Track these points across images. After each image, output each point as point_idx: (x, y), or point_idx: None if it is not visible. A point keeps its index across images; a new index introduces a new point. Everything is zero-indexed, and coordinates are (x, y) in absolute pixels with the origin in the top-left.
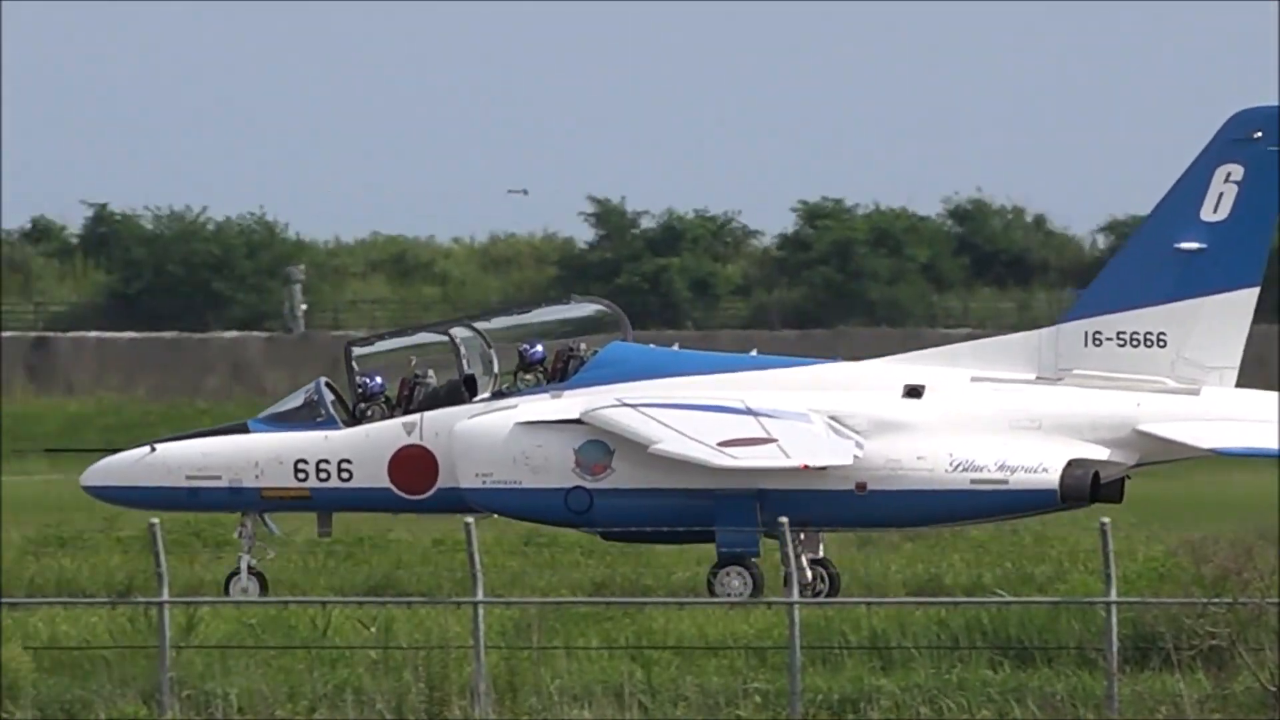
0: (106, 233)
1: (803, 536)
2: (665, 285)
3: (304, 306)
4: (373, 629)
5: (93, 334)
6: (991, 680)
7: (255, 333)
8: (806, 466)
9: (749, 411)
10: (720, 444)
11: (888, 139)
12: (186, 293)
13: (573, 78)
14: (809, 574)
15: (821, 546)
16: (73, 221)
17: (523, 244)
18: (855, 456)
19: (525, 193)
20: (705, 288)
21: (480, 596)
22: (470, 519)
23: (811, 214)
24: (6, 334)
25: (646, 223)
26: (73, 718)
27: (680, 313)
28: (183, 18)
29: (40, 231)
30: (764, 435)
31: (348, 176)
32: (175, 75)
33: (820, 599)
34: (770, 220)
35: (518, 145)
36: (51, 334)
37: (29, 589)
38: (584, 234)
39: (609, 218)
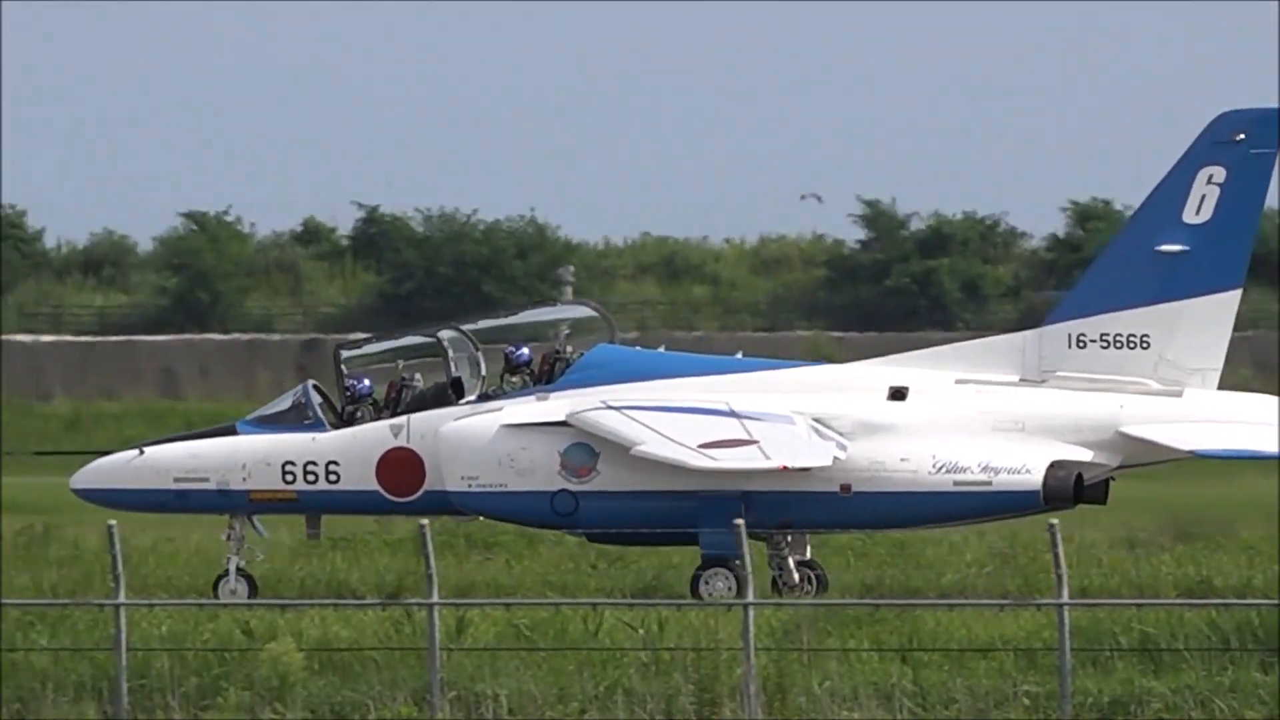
0: (377, 234)
1: (789, 538)
2: (935, 287)
3: None
4: (642, 631)
5: (361, 336)
6: (1263, 682)
7: None
8: (785, 468)
9: (732, 414)
10: (701, 446)
11: (1158, 138)
12: (456, 294)
13: (842, 78)
14: (796, 575)
15: (809, 548)
16: (343, 223)
17: (792, 246)
18: (836, 458)
19: (820, 199)
20: (975, 289)
21: (751, 599)
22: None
23: (1082, 215)
24: (277, 336)
25: (915, 224)
26: (342, 718)
27: (950, 314)
28: (457, 18)
29: (310, 233)
30: (746, 437)
31: (618, 178)
32: (440, 77)
33: (1087, 600)
34: (1039, 222)
35: (787, 146)
36: (322, 336)
37: (300, 590)
38: (854, 235)
39: (878, 219)
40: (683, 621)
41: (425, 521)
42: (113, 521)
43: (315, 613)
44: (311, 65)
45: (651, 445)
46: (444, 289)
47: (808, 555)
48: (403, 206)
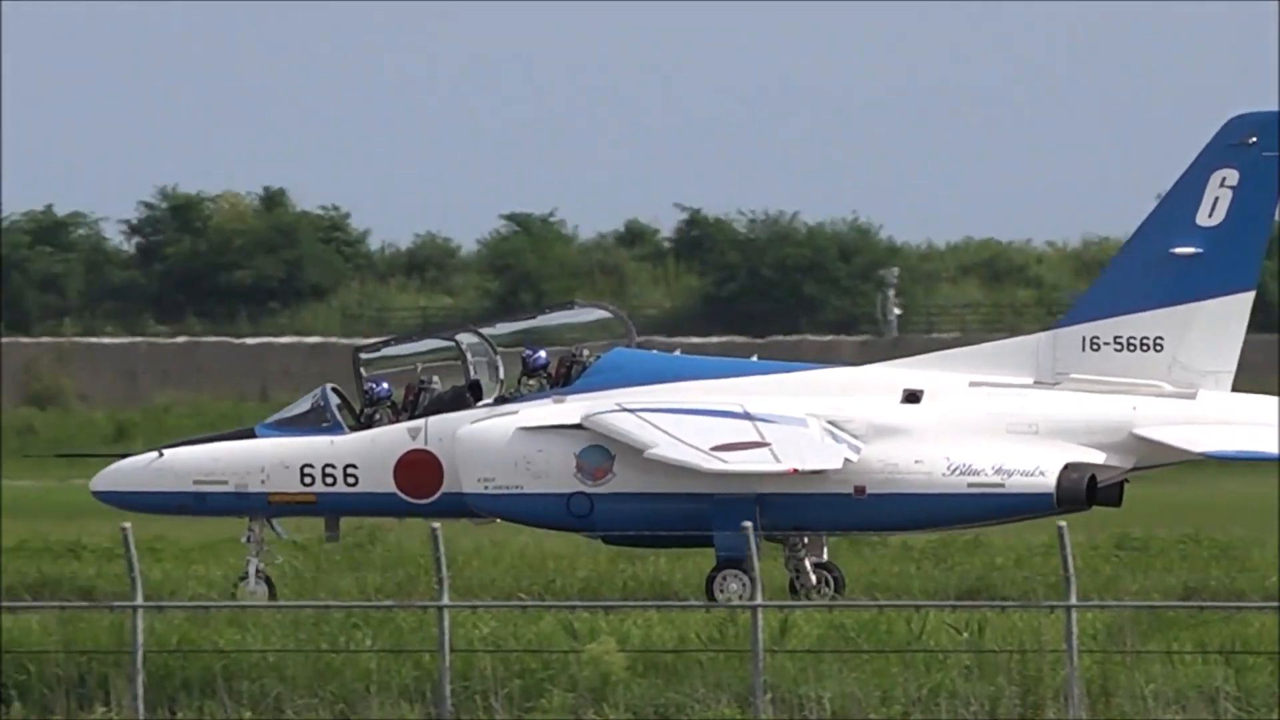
0: (699, 236)
1: (806, 540)
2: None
3: (897, 311)
4: (965, 633)
5: (683, 339)
6: None
7: (847, 336)
8: (795, 470)
9: (746, 416)
10: (714, 448)
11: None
12: (779, 296)
13: (1145, 78)
14: (813, 577)
15: (825, 549)
16: (666, 225)
17: (1114, 247)
18: (847, 460)
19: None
20: None
21: (1074, 600)
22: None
23: None
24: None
25: None
26: (665, 719)
27: (1272, 315)
28: (775, 18)
29: (633, 235)
30: (758, 439)
31: (941, 180)
32: (760, 80)
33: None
34: None
35: (1111, 148)
36: (645, 337)
37: (623, 592)
38: None
39: None
40: (1006, 623)
41: (748, 523)
42: (436, 524)
43: (638, 614)
44: (635, 67)
45: (664, 448)
46: (766, 291)
47: (824, 557)
48: (726, 209)
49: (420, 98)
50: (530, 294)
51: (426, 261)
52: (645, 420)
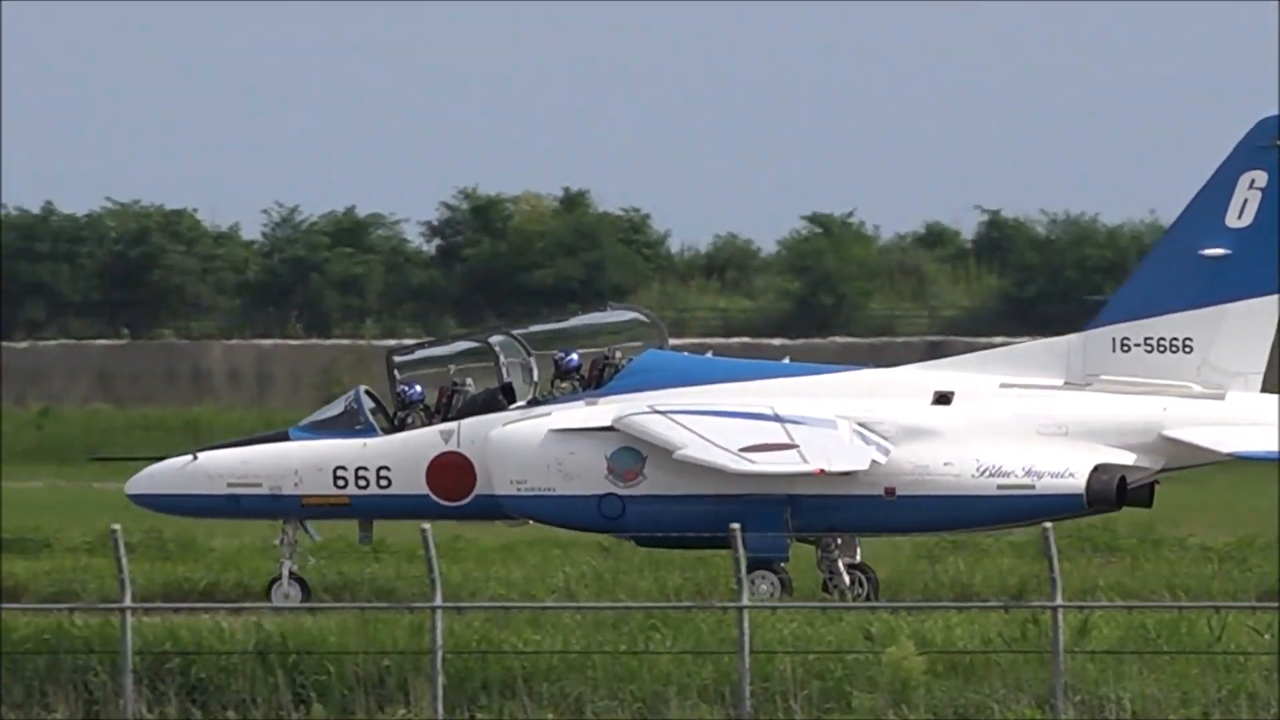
0: (1000, 237)
1: (839, 541)
2: None
3: None
4: (1268, 635)
5: (985, 339)
6: None
7: None
8: (822, 471)
9: (776, 418)
10: (741, 449)
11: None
12: (1078, 298)
13: None
14: (846, 578)
15: (859, 551)
16: (966, 227)
17: None
18: (874, 461)
19: None
20: None
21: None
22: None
23: None
24: (900, 339)
25: None
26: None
27: None
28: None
29: (934, 236)
30: (786, 441)
31: None
32: (1064, 79)
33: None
34: None
35: None
36: (945, 338)
37: (924, 593)
38: None
39: None
40: None
41: (1049, 525)
42: (740, 527)
43: (938, 615)
44: (936, 68)
45: (693, 449)
46: (1067, 293)
47: (858, 558)
48: (1026, 210)
49: (717, 99)
50: (830, 296)
51: (726, 263)
52: (675, 422)
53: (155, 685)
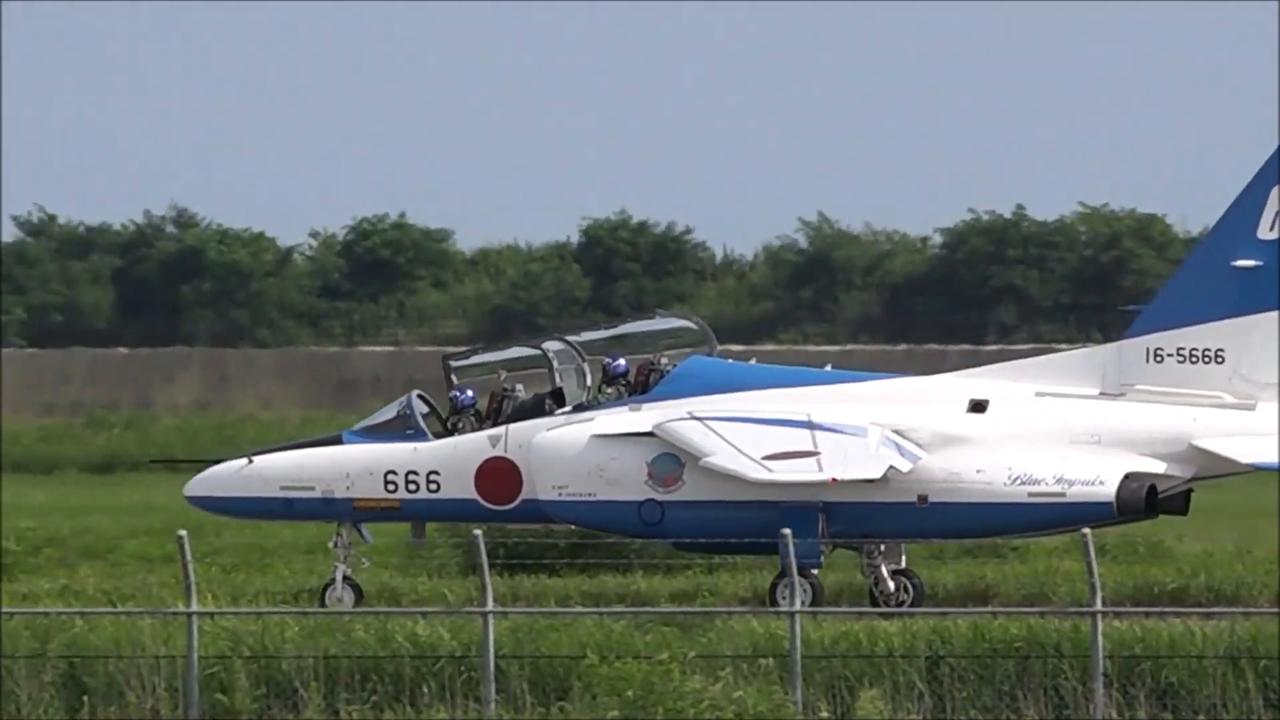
0: None
1: (882, 548)
2: None
3: None
4: None
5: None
6: None
7: None
8: (835, 480)
9: (810, 425)
10: (765, 457)
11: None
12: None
13: None
14: (891, 584)
15: (904, 557)
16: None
17: None
18: (894, 468)
19: None
20: None
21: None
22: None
23: None
24: None
25: None
26: None
27: None
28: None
29: None
30: (810, 449)
31: None
32: None
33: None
34: None
35: None
36: None
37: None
38: None
39: None
40: None
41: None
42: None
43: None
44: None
45: (719, 456)
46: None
47: (903, 564)
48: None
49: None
50: None
51: None
52: (710, 429)
53: (1125, 688)
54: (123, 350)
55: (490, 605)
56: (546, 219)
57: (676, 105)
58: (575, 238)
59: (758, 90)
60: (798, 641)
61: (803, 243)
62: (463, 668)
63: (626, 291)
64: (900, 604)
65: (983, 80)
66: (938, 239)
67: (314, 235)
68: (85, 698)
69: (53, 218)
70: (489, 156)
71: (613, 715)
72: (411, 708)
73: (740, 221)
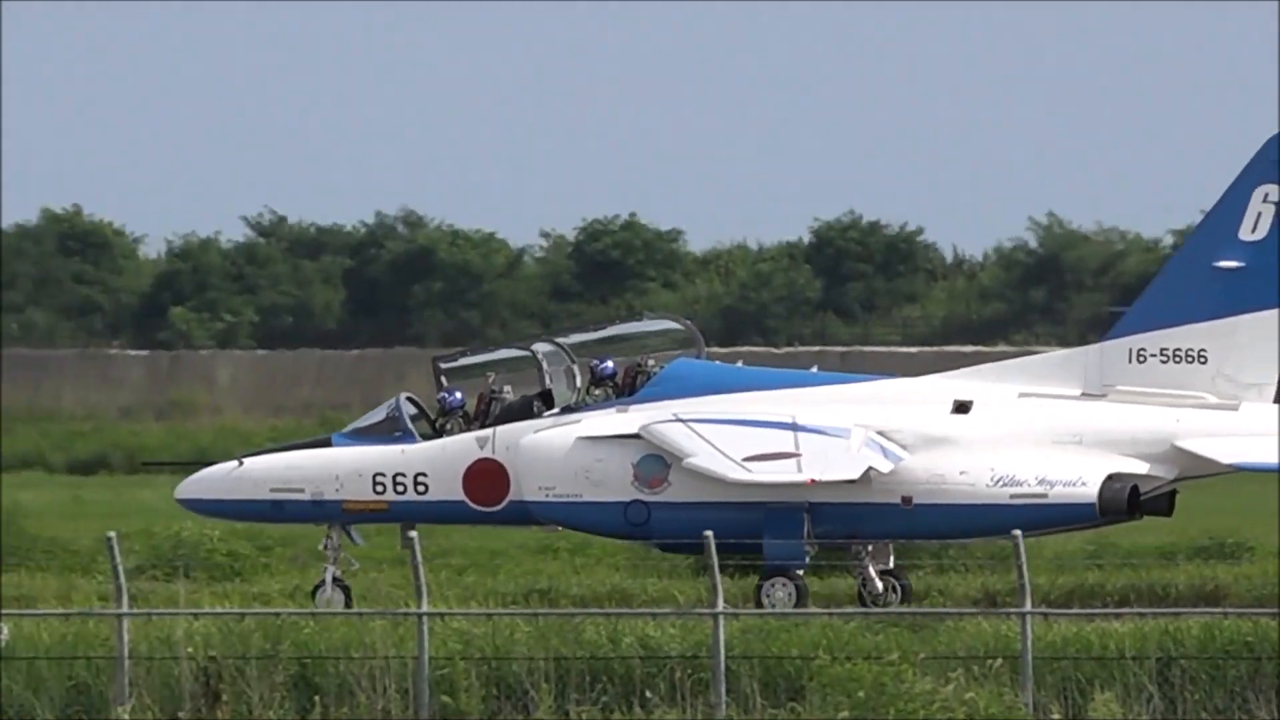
0: None
1: (869, 549)
2: None
3: None
4: None
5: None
6: None
7: None
8: (813, 481)
9: (793, 426)
10: (745, 458)
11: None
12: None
13: None
14: (879, 584)
15: (892, 557)
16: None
17: None
18: (873, 469)
19: None
20: None
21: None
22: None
23: None
24: None
25: None
26: None
27: None
28: None
29: None
30: (790, 450)
31: None
32: None
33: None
34: None
35: None
36: None
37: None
38: None
39: None
40: None
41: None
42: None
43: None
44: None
45: (700, 458)
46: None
47: (891, 564)
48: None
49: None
50: None
51: None
52: (694, 430)
53: None
54: (353, 351)
55: (721, 606)
56: (777, 218)
57: (908, 104)
58: (806, 238)
59: (990, 89)
60: (1029, 643)
61: (1033, 243)
62: (692, 669)
63: (857, 292)
64: (889, 605)
65: (1217, 78)
66: (1169, 240)
67: (544, 236)
68: (316, 698)
69: (283, 219)
70: (719, 156)
71: (843, 716)
72: (641, 709)
73: (970, 222)
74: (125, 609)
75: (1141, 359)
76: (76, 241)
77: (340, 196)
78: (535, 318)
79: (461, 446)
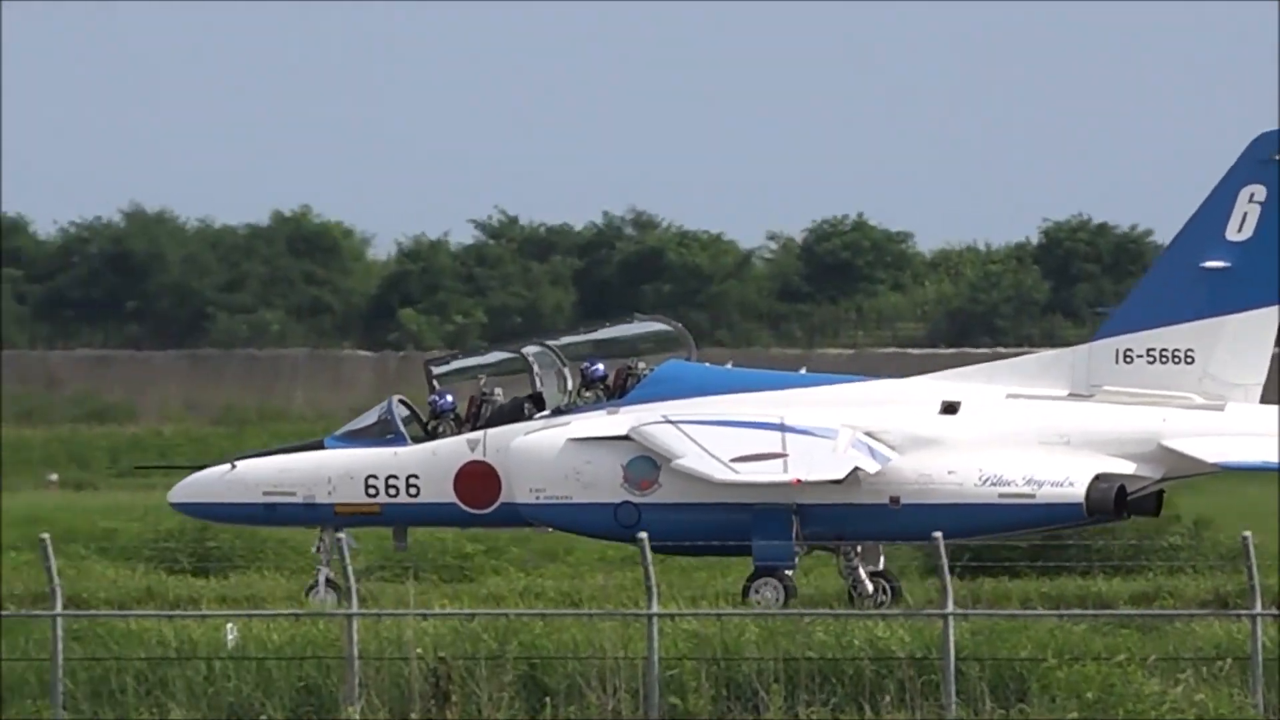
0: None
1: (859, 549)
2: None
3: None
4: None
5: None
6: None
7: None
8: (798, 481)
9: (781, 427)
10: (733, 459)
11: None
12: None
13: None
14: (869, 585)
15: (882, 558)
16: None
17: None
18: (860, 469)
19: None
20: None
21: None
22: None
23: None
24: None
25: None
26: None
27: None
28: None
29: None
30: (777, 451)
31: None
32: None
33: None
34: None
35: None
36: None
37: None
38: None
39: None
40: None
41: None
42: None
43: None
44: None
45: (688, 459)
46: None
47: (881, 566)
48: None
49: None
50: None
51: None
52: (683, 432)
53: None
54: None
55: (950, 607)
56: (1006, 220)
57: (1135, 103)
58: (1035, 239)
59: (1218, 86)
60: (1259, 644)
61: None
62: (921, 670)
63: (1086, 293)
64: (879, 605)
65: None
66: None
67: (771, 237)
68: (547, 698)
69: (514, 219)
70: (950, 156)
71: (1072, 717)
72: (871, 709)
73: None
74: (355, 609)
75: (1128, 359)
76: (305, 243)
77: (568, 196)
78: (764, 319)
79: (453, 449)
